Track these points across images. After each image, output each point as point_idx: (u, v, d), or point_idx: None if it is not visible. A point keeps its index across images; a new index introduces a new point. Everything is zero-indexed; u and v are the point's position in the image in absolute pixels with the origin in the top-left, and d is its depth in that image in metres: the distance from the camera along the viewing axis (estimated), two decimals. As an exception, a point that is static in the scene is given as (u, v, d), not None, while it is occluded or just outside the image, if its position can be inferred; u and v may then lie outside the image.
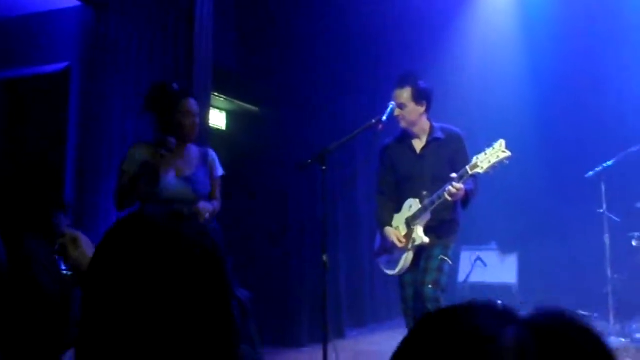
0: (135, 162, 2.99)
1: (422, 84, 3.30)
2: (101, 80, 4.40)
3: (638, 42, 5.88)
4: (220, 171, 3.29)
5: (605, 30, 6.02)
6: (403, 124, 3.33)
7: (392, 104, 3.22)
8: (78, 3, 4.42)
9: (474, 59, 6.52)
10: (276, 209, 4.66)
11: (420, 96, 3.28)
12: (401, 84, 3.28)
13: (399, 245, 3.27)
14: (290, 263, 4.74)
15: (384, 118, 3.11)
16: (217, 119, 5.96)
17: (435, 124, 3.38)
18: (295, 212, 4.76)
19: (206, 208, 3.03)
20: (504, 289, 5.96)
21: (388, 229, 3.33)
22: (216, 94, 5.47)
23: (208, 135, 4.60)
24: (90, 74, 4.40)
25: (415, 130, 3.34)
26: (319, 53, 5.40)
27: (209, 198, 3.20)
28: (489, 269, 6.08)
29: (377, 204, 3.48)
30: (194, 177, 3.11)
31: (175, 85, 3.14)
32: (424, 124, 3.34)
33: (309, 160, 2.98)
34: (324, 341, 2.99)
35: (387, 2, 5.93)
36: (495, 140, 3.00)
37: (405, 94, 3.26)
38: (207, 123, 4.78)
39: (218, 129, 5.91)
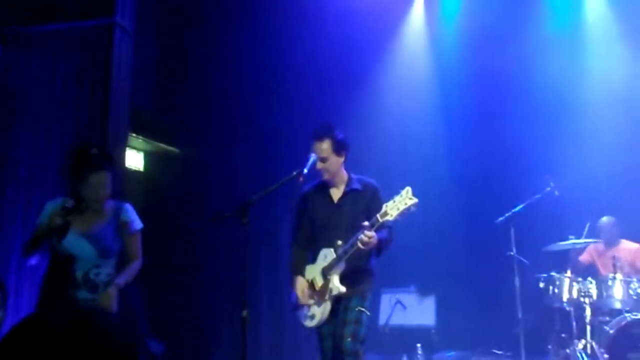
0: (48, 216, 2.94)
1: (339, 135, 3.35)
2: (7, 125, 4.14)
3: (541, 97, 6.37)
4: (137, 225, 3.17)
5: (512, 84, 6.48)
6: (326, 176, 3.36)
7: (313, 156, 3.24)
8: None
9: (392, 106, 6.77)
10: (193, 258, 4.52)
11: (340, 147, 3.33)
12: (319, 137, 3.32)
13: (301, 297, 3.26)
14: (207, 315, 4.58)
15: (305, 171, 3.12)
16: (135, 160, 5.77)
17: (353, 175, 3.44)
18: (214, 263, 4.64)
19: (112, 291, 2.95)
20: (423, 330, 6.07)
21: (297, 280, 3.32)
22: (134, 134, 5.30)
23: (124, 177, 4.43)
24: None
25: (335, 180, 3.38)
26: (240, 95, 5.40)
27: (127, 255, 3.11)
28: (408, 311, 6.18)
29: (292, 253, 3.46)
30: (98, 233, 3.03)
31: (94, 150, 3.03)
32: (343, 174, 3.40)
33: (228, 214, 2.92)
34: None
35: (307, 48, 6.07)
36: (403, 188, 3.09)
37: (324, 146, 3.30)
38: (124, 164, 4.61)
39: (135, 170, 5.72)
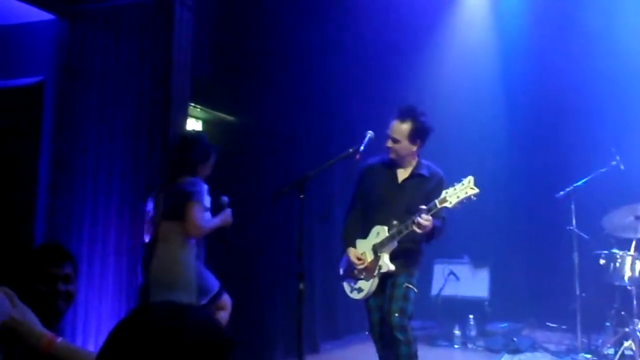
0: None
1: (423, 121, 3.27)
2: (76, 94, 4.33)
3: (607, 67, 6.04)
4: None
5: (577, 54, 6.17)
6: (393, 156, 3.34)
7: (369, 133, 3.23)
8: (52, 16, 4.33)
9: (449, 84, 6.66)
10: (249, 229, 4.64)
11: (417, 135, 3.26)
12: (402, 117, 3.25)
13: (357, 263, 3.30)
14: (264, 284, 4.74)
15: (361, 148, 3.13)
16: (194, 128, 5.94)
17: (423, 161, 3.40)
18: (271, 233, 4.76)
19: None
20: (476, 302, 6.07)
21: (350, 249, 3.36)
22: (193, 104, 5.43)
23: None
24: (65, 88, 4.33)
25: (404, 160, 3.36)
26: (298, 67, 5.39)
27: None
28: (462, 283, 6.18)
29: (347, 223, 3.48)
30: None
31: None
32: (413, 158, 3.37)
33: (286, 189, 2.99)
34: (299, 358, 3.01)
35: (365, 19, 5.98)
36: (466, 175, 3.07)
37: (403, 129, 3.24)
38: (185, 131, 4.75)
39: (195, 138, 5.88)
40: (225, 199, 3.44)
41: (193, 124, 5.90)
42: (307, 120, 5.41)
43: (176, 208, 3.29)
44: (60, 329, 3.63)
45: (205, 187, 3.34)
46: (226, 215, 3.45)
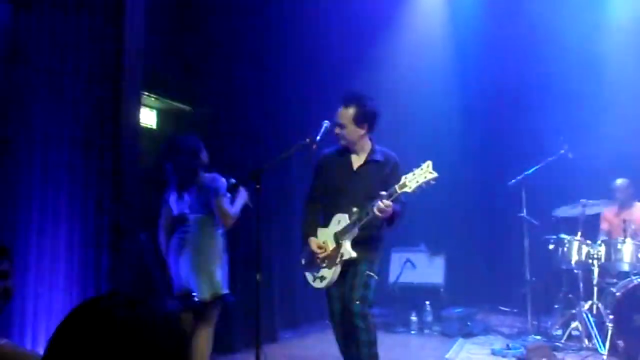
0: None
1: (368, 105, 3.30)
2: (21, 79, 4.14)
3: (558, 61, 6.26)
4: None
5: (529, 47, 6.37)
6: (343, 142, 3.36)
7: (326, 123, 3.23)
8: (-4, -1, 4.12)
9: (406, 74, 6.76)
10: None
11: (363, 119, 3.30)
12: (346, 103, 3.29)
13: (318, 252, 3.32)
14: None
15: (318, 138, 3.13)
16: (148, 118, 5.81)
17: (377, 147, 3.42)
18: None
19: None
20: (432, 289, 6.20)
21: (311, 239, 3.37)
22: (146, 93, 5.31)
23: (138, 135, 4.46)
24: (10, 72, 4.13)
25: (356, 147, 3.38)
26: (253, 55, 5.33)
27: None
28: (418, 270, 6.30)
29: (307, 212, 3.49)
30: None
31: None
32: (365, 143, 3.39)
33: (240, 180, 2.96)
34: (257, 348, 3.00)
35: (322, 8, 5.97)
36: (425, 159, 3.10)
37: (348, 113, 3.28)
38: (138, 122, 4.64)
39: (149, 128, 5.76)
40: (233, 180, 3.56)
41: (147, 113, 5.77)
42: (264, 110, 5.36)
43: (204, 204, 3.58)
44: (9, 326, 3.49)
45: (222, 180, 3.58)
46: (242, 195, 3.63)
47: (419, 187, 3.00)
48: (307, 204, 3.53)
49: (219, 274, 3.56)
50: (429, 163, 3.03)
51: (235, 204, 3.59)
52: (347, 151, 3.41)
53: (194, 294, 3.48)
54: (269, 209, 4.87)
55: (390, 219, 3.22)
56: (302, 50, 5.88)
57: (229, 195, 3.55)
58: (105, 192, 3.97)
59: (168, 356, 0.92)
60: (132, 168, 4.20)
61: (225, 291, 3.60)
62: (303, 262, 3.51)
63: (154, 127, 5.91)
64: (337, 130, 3.30)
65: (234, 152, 4.89)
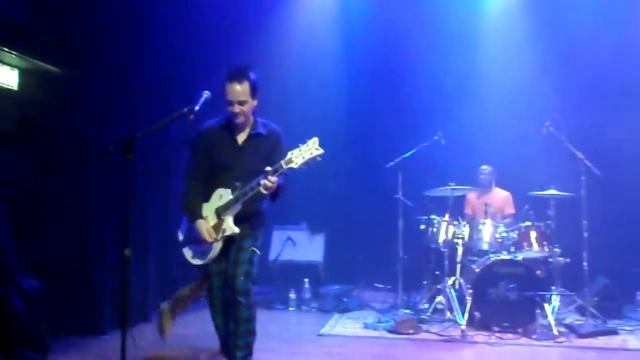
0: None
1: (255, 76, 3.26)
2: None
3: (436, 48, 6.62)
4: None
5: (412, 32, 6.67)
6: (241, 120, 3.27)
7: (206, 93, 3.13)
8: None
9: (294, 54, 6.78)
10: (73, 191, 4.25)
11: (255, 90, 3.26)
12: (239, 79, 3.19)
13: (210, 240, 3.26)
14: (90, 251, 4.41)
15: (197, 108, 3.01)
16: (7, 77, 5.29)
17: (259, 119, 3.38)
18: (98, 196, 4.42)
19: None
20: (311, 266, 6.36)
21: (200, 222, 3.28)
22: (6, 49, 4.80)
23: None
24: None
25: (248, 122, 3.31)
26: (133, 16, 4.98)
27: None
28: (298, 248, 6.41)
29: (189, 190, 3.37)
30: None
31: None
32: (249, 117, 3.34)
33: (112, 148, 2.77)
34: (123, 329, 2.85)
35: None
36: (310, 137, 3.11)
37: (245, 89, 3.20)
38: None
39: (8, 88, 5.25)
40: None
41: (7, 72, 5.23)
42: (142, 78, 5.03)
43: None
44: None
45: None
46: None
47: (305, 163, 3.01)
48: (188, 179, 3.40)
49: None
50: (315, 140, 3.06)
51: None
52: (230, 126, 3.34)
53: None
54: (145, 181, 4.65)
55: (275, 194, 3.22)
56: (186, 15, 5.62)
57: None
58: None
59: None
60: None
61: None
62: (181, 238, 3.40)
63: (15, 87, 5.39)
64: (237, 108, 3.21)
65: (107, 120, 4.55)
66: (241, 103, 3.21)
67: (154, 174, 4.90)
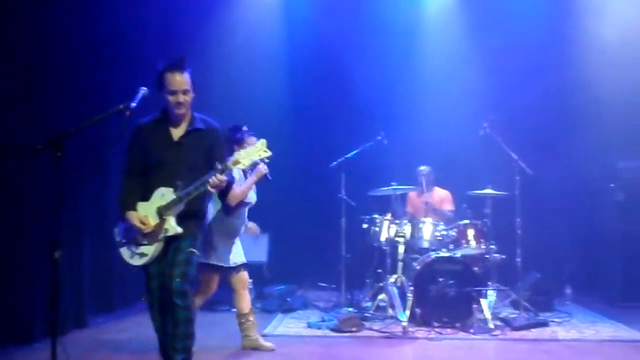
0: None
1: (192, 68, 3.22)
2: None
3: (382, 50, 6.74)
4: None
5: (355, 34, 6.75)
6: (182, 111, 3.20)
7: (143, 90, 3.04)
8: None
9: (235, 55, 6.71)
10: (10, 186, 4.03)
11: (194, 82, 3.22)
12: (181, 69, 3.14)
13: (142, 228, 3.16)
14: (18, 256, 4.19)
15: (133, 104, 2.92)
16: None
17: (196, 114, 3.31)
18: (31, 195, 4.20)
19: None
20: (256, 267, 6.28)
21: (131, 213, 3.18)
22: None
23: None
24: None
25: (186, 115, 3.24)
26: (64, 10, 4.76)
27: None
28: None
29: (124, 186, 3.27)
30: None
31: None
32: (189, 111, 3.27)
33: (39, 146, 2.65)
34: (53, 336, 2.73)
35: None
36: (258, 138, 3.13)
37: (187, 78, 3.15)
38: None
39: None
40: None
41: None
42: (73, 70, 4.77)
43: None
44: None
45: None
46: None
47: (253, 164, 3.03)
48: (124, 176, 3.30)
49: None
50: (263, 141, 3.07)
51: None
52: (165, 121, 3.26)
53: None
54: (79, 180, 4.44)
55: (225, 192, 3.22)
56: (124, 15, 5.46)
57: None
58: None
59: None
60: None
61: None
62: (118, 238, 3.29)
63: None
64: (182, 98, 3.15)
65: (32, 114, 4.30)
66: (185, 92, 3.16)
67: (89, 173, 4.70)
